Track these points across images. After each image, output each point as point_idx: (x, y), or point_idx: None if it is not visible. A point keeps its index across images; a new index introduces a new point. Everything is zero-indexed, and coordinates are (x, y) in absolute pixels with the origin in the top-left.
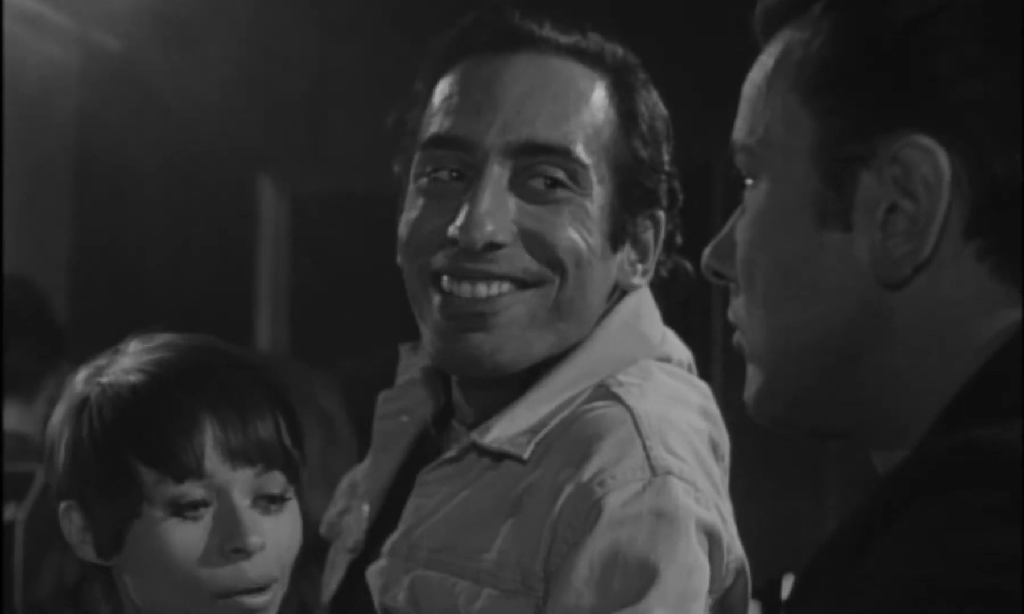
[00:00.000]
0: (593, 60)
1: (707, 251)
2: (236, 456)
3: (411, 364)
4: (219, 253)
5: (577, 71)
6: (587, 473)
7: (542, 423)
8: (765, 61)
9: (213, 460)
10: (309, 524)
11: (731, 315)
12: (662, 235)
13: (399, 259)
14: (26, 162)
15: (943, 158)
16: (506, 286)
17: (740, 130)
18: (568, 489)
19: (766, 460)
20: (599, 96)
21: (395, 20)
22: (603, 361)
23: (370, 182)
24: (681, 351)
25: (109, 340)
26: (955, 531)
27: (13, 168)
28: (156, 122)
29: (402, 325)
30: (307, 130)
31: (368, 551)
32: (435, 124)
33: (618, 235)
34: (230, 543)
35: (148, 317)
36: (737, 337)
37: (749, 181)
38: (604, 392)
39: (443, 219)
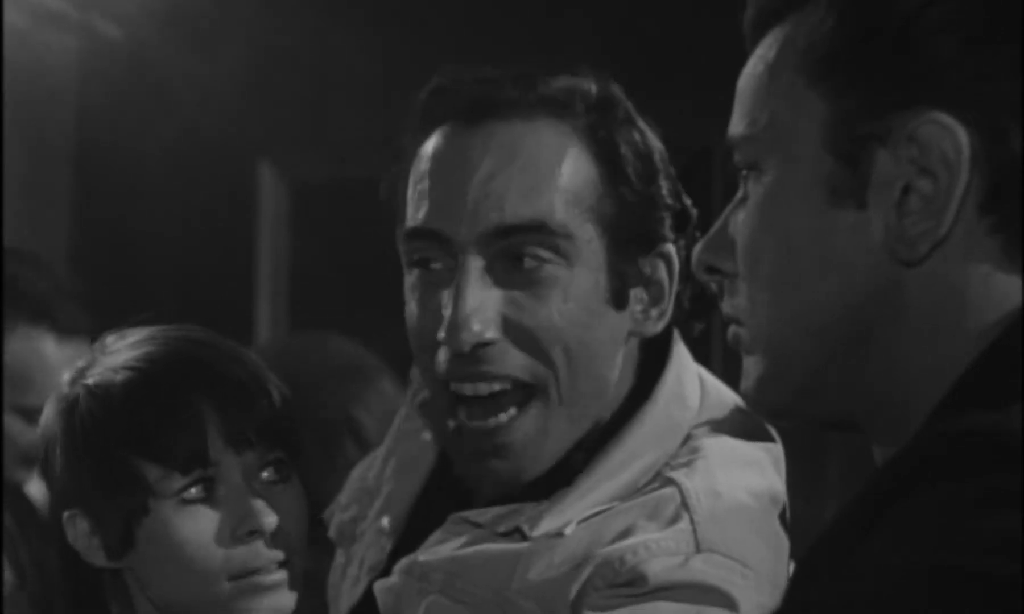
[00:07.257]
0: (563, 110)
1: (699, 247)
2: (239, 440)
3: (423, 386)
4: (219, 240)
5: (546, 131)
6: (630, 540)
7: (593, 515)
8: (763, 54)
9: (216, 447)
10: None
11: (726, 309)
12: (676, 267)
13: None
14: (26, 148)
15: (962, 135)
16: (507, 385)
17: (738, 124)
18: (607, 549)
19: None
20: (574, 153)
21: (395, 7)
22: (648, 438)
23: (370, 169)
24: (724, 395)
25: (107, 327)
26: (955, 515)
27: (13, 155)
28: (156, 109)
29: (401, 313)
30: (307, 117)
31: (388, 573)
32: (411, 215)
33: (621, 291)
34: (244, 526)
35: (147, 304)
36: (732, 332)
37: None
38: (655, 476)
39: (433, 321)
